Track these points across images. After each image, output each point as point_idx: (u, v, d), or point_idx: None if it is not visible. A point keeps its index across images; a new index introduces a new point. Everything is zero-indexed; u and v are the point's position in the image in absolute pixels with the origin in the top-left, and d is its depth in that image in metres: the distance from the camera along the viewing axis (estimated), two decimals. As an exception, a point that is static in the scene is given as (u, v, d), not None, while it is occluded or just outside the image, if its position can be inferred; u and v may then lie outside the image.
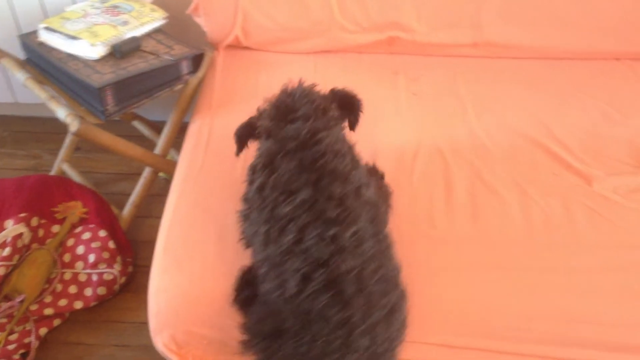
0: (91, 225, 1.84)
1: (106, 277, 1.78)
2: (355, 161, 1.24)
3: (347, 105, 1.34)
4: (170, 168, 1.81)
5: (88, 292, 1.76)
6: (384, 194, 1.41)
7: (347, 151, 1.23)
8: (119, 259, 1.82)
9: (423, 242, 1.39)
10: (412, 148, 1.63)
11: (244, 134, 1.33)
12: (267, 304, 1.17)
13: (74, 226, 1.85)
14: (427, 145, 1.64)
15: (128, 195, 2.01)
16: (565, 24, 1.93)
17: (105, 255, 1.79)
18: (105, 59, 1.70)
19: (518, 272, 1.34)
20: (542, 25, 1.93)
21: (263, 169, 1.21)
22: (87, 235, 1.82)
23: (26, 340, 1.66)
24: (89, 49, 1.68)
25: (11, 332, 1.66)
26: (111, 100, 1.65)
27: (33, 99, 2.08)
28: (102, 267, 1.78)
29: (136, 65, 1.69)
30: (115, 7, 1.85)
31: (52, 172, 2.16)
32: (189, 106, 1.88)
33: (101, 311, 1.81)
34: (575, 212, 1.47)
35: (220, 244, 1.39)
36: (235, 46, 1.94)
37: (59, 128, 1.91)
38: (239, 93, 1.78)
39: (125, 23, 1.78)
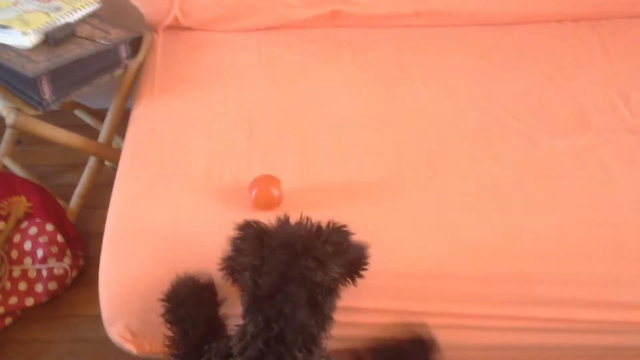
0: (37, 220, 1.79)
1: (57, 271, 1.73)
2: None
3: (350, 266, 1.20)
4: (115, 156, 1.76)
5: (39, 288, 1.72)
6: None
7: None
8: (68, 252, 1.77)
9: (374, 212, 1.39)
10: (359, 121, 1.62)
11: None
12: None
13: (19, 221, 1.80)
14: (375, 118, 1.63)
15: (74, 186, 1.96)
16: (505, -13, 1.94)
17: (54, 249, 1.74)
18: (39, 48, 1.64)
19: (470, 236, 1.35)
20: (483, -9, 1.94)
21: None
22: (33, 230, 1.77)
23: (-24, 342, 1.62)
24: (21, 37, 1.62)
25: (-39, 334, 1.61)
26: (48, 89, 1.59)
27: (-33, 93, 2.00)
28: (52, 262, 1.73)
29: (72, 52, 1.64)
30: (47, -8, 1.79)
31: (-7, 168, 2.09)
32: (131, 91, 1.84)
33: (55, 306, 1.77)
34: (524, 175, 1.48)
35: (170, 229, 1.37)
36: (175, 27, 1.89)
37: (-3, 122, 1.85)
38: (181, 75, 1.74)
39: (57, 9, 1.72)
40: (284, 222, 1.18)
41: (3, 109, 1.58)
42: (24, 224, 1.79)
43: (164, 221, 1.38)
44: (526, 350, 1.40)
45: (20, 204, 1.80)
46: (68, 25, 1.69)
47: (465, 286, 1.30)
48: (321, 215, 1.36)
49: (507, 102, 1.69)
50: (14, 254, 1.75)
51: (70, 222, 1.86)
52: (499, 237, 1.35)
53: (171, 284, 1.25)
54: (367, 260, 1.20)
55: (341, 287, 1.18)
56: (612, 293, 1.31)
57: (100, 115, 2.13)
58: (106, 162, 1.99)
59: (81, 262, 1.82)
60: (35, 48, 1.63)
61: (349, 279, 1.19)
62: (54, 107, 1.64)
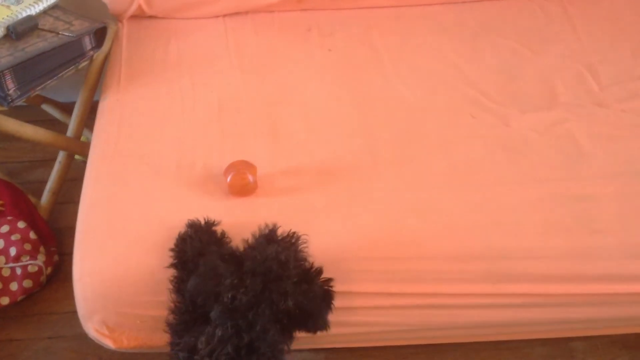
0: (9, 218, 1.76)
1: (31, 269, 1.71)
2: None
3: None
4: (85, 150, 1.73)
5: (13, 286, 1.69)
6: None
7: None
8: (42, 249, 1.75)
9: (348, 194, 1.39)
10: (330, 104, 1.61)
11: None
12: None
13: (-10, 220, 1.77)
14: (345, 100, 1.62)
15: (45, 182, 1.93)
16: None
17: (27, 246, 1.72)
18: (0, 42, 1.60)
19: (443, 214, 1.35)
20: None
21: None
22: (5, 229, 1.74)
23: (-48, 344, 1.60)
24: (-18, 32, 1.59)
25: None
26: (12, 84, 1.56)
27: None
28: (26, 260, 1.71)
29: (35, 45, 1.60)
30: (6, -15, 1.74)
31: (-39, 167, 2.05)
32: (98, 83, 1.81)
33: (30, 304, 1.75)
34: (495, 152, 1.49)
35: (142, 221, 1.35)
36: (140, 16, 1.85)
37: (-38, 119, 1.81)
38: (148, 64, 1.71)
39: (18, 2, 1.68)
40: (264, 243, 1.17)
41: (-34, 106, 1.54)
42: (-5, 223, 1.76)
43: (136, 213, 1.37)
44: (503, 327, 1.42)
45: (-10, 202, 1.78)
46: (30, 18, 1.65)
47: (440, 265, 1.31)
48: (296, 200, 1.38)
49: (476, 80, 1.69)
50: (-14, 253, 1.72)
51: (42, 219, 1.83)
52: (472, 214, 1.35)
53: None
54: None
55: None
56: (586, 266, 1.32)
57: (68, 108, 2.09)
58: (76, 156, 1.96)
59: (55, 258, 1.80)
60: (-3, 42, 1.60)
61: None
62: (19, 102, 1.61)
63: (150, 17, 1.86)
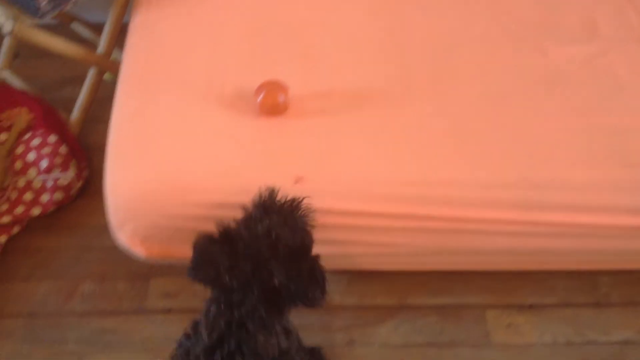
0: (40, 131, 1.78)
1: (61, 182, 1.73)
2: None
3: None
4: (115, 67, 1.73)
5: (45, 198, 1.73)
6: None
7: None
8: (72, 163, 1.77)
9: (380, 119, 1.38)
10: (365, 29, 1.58)
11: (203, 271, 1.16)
12: None
13: (21, 133, 1.79)
14: (380, 26, 1.59)
15: (74, 100, 1.94)
16: None
17: (58, 160, 1.74)
18: (34, -47, 1.59)
19: (476, 142, 1.34)
20: None
21: None
22: (36, 142, 1.76)
23: (-14, 249, 1.64)
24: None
25: (-31, 242, 1.63)
26: (45, -4, 1.56)
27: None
28: (57, 173, 1.73)
29: (68, -44, 1.59)
30: None
31: (-8, 81, 2.06)
32: (128, 2, 1.79)
33: (61, 216, 1.78)
34: (532, 82, 1.46)
35: (173, 135, 1.36)
36: None
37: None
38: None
39: None
40: (258, 216, 1.16)
41: (0, 17, 1.54)
42: (27, 136, 1.78)
43: (167, 129, 1.38)
44: (530, 256, 1.42)
45: (22, 115, 1.79)
46: None
47: (471, 191, 1.30)
48: (326, 123, 1.37)
49: (514, 10, 1.64)
50: (18, 165, 1.75)
51: (72, 135, 1.84)
52: (506, 143, 1.34)
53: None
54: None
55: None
56: (618, 198, 1.31)
57: (98, 29, 2.08)
58: (105, 76, 1.96)
59: (85, 173, 1.82)
60: (31, -46, 1.58)
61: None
62: (50, 15, 1.60)
63: None
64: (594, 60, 1.52)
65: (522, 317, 1.56)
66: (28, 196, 1.72)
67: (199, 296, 1.59)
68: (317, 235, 1.26)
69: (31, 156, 1.75)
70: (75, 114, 1.91)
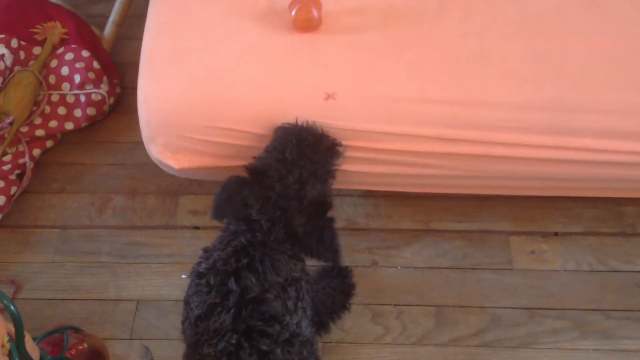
0: (73, 46, 1.78)
1: (94, 97, 1.75)
2: (297, 300, 1.15)
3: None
4: (149, -18, 1.73)
5: (78, 113, 1.75)
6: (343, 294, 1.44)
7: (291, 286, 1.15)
8: (105, 79, 1.78)
9: (413, 38, 1.36)
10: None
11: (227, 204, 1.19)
12: None
13: (55, 47, 1.79)
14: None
15: (107, 17, 1.94)
16: None
17: (91, 75, 1.75)
18: None
19: (510, 62, 1.32)
20: None
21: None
22: (70, 56, 1.77)
23: (20, 161, 1.67)
24: None
25: (4, 154, 1.66)
26: None
27: None
28: (89, 88, 1.75)
29: None
30: None
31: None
32: None
33: (93, 132, 1.81)
34: (569, 2, 1.41)
35: (206, 51, 1.36)
36: None
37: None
38: None
39: None
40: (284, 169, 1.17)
41: None
42: (60, 50, 1.79)
43: (200, 43, 1.37)
44: (557, 181, 1.41)
45: (56, 29, 1.79)
46: None
47: (502, 113, 1.29)
48: (359, 40, 1.36)
49: None
50: (52, 79, 1.76)
51: (105, 50, 1.85)
52: (540, 64, 1.31)
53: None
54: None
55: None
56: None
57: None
58: (138, -8, 1.96)
59: (118, 90, 1.83)
60: None
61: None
62: None
63: None
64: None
65: (546, 244, 1.56)
66: (61, 111, 1.74)
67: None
68: (345, 153, 1.27)
69: (65, 70, 1.76)
70: (108, 29, 1.91)
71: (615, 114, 1.28)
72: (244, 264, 1.11)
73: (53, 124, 1.73)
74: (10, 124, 1.66)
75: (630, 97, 1.29)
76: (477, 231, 1.60)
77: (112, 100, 1.80)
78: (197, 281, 1.14)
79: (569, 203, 1.60)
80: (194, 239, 1.61)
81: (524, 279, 1.52)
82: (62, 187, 1.72)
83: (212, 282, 1.11)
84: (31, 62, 1.76)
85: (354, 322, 1.47)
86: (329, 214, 1.18)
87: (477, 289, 1.52)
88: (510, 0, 1.42)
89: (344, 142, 1.30)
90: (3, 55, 1.70)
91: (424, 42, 1.35)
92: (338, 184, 1.35)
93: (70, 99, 1.75)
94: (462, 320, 1.47)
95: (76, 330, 1.40)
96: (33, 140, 1.72)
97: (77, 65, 1.75)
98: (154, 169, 1.52)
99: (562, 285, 1.51)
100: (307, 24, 1.35)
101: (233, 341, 1.06)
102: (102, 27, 1.93)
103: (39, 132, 1.72)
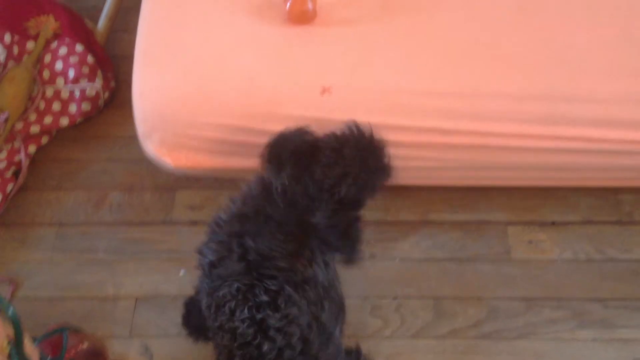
0: (67, 40, 1.76)
1: (89, 92, 1.74)
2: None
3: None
4: (142, -25, 1.71)
5: (72, 108, 1.74)
6: None
7: None
8: (99, 73, 1.77)
9: (410, 29, 1.36)
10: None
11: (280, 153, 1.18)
12: None
13: (48, 42, 1.77)
14: None
15: (101, 9, 1.92)
16: None
17: (85, 70, 1.74)
18: None
19: (506, 51, 1.32)
20: None
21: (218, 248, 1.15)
22: (63, 51, 1.75)
23: (16, 159, 1.66)
24: None
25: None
26: None
27: None
28: (84, 82, 1.73)
29: None
30: None
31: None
32: None
33: (89, 127, 1.79)
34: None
35: (201, 45, 1.36)
36: None
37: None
38: None
39: None
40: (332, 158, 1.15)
41: None
42: (54, 44, 1.77)
43: (195, 37, 1.37)
44: (554, 172, 1.42)
45: (49, 23, 1.77)
46: None
47: (499, 104, 1.29)
48: (355, 32, 1.35)
49: None
50: (46, 74, 1.75)
51: (99, 44, 1.83)
52: (536, 53, 1.31)
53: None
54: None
55: None
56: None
57: None
58: (131, -15, 1.94)
59: (112, 84, 1.82)
60: None
61: None
62: None
63: None
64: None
65: (543, 234, 1.56)
66: (56, 106, 1.73)
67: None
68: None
69: (59, 65, 1.74)
70: (102, 22, 1.90)
71: (609, 103, 1.28)
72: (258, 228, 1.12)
73: (48, 119, 1.72)
74: (6, 120, 1.65)
75: (624, 86, 1.29)
76: (475, 222, 1.60)
77: (107, 94, 1.79)
78: (215, 229, 1.16)
79: (566, 192, 1.60)
80: (192, 235, 1.60)
81: (521, 269, 1.52)
82: (58, 183, 1.71)
83: (228, 229, 1.13)
84: (25, 57, 1.75)
85: (352, 315, 1.46)
86: (357, 213, 1.18)
87: (475, 280, 1.52)
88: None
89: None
90: (-3, 51, 1.69)
91: (420, 33, 1.35)
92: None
93: (64, 94, 1.74)
94: (461, 312, 1.47)
95: (76, 330, 1.40)
96: (28, 137, 1.70)
97: (71, 59, 1.74)
98: (150, 164, 1.51)
99: (560, 275, 1.51)
100: (302, 17, 1.34)
101: (246, 281, 1.08)
102: (95, 20, 1.91)
103: (34, 129, 1.70)
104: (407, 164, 1.37)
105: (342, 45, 1.33)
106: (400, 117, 1.30)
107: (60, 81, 1.74)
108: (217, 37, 1.36)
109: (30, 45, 1.76)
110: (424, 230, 1.60)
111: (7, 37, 1.73)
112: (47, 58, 1.76)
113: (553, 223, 1.58)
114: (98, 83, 1.75)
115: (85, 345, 1.34)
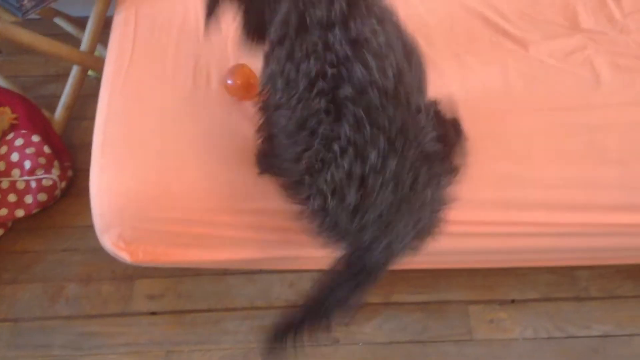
0: (23, 131, 1.76)
1: (45, 182, 1.73)
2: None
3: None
4: (99, 64, 1.73)
5: (28, 199, 1.72)
6: None
7: None
8: (56, 163, 1.76)
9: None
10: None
11: None
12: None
13: (4, 133, 1.77)
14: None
15: (58, 97, 1.93)
16: None
17: (42, 160, 1.73)
18: (14, -49, 1.57)
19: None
20: None
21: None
22: (19, 142, 1.74)
23: (-30, 253, 1.63)
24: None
25: (-47, 245, 1.62)
26: (26, -6, 1.54)
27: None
28: (40, 173, 1.72)
29: (48, -46, 1.58)
30: None
31: (-26, 79, 2.04)
32: (111, -4, 1.78)
33: (45, 218, 1.78)
34: (513, 78, 1.47)
35: (159, 136, 1.36)
36: None
37: (-26, 31, 1.79)
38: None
39: None
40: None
41: (-20, 16, 1.53)
42: (10, 136, 1.76)
43: (153, 129, 1.37)
44: (510, 254, 1.43)
45: (5, 114, 1.77)
46: None
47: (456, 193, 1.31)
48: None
49: (496, 3, 1.64)
50: (1, 166, 1.73)
51: (56, 133, 1.83)
52: (483, 141, 1.32)
53: None
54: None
55: None
56: (596, 195, 1.32)
57: (81, 23, 2.06)
58: (89, 73, 1.95)
59: (70, 173, 1.81)
60: (10, -48, 1.57)
61: None
62: (33, 13, 1.59)
63: None
64: (574, 54, 1.53)
65: (504, 313, 1.58)
66: (12, 198, 1.71)
67: (183, 297, 1.61)
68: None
69: (15, 157, 1.73)
70: (59, 112, 1.90)
71: (558, 188, 1.31)
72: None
73: (3, 212, 1.69)
74: (-40, 214, 1.62)
75: (572, 171, 1.33)
76: (436, 302, 1.60)
77: (63, 184, 1.78)
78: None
79: (525, 269, 1.62)
80: (151, 326, 1.58)
81: (484, 349, 1.53)
82: (13, 277, 1.67)
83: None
84: (-20, 150, 1.74)
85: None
86: None
87: (439, 362, 1.51)
88: (453, 76, 1.46)
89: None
90: (-49, 145, 1.67)
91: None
92: (295, 262, 1.34)
93: (20, 186, 1.72)
94: (427, 397, 1.47)
95: None
96: (-18, 230, 1.68)
97: (28, 150, 1.73)
98: (107, 254, 1.49)
99: (522, 355, 1.52)
100: (247, 90, 1.38)
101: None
102: (53, 108, 1.92)
103: (-11, 221, 1.68)
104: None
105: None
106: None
107: (16, 172, 1.73)
108: (175, 130, 1.36)
109: (-14, 137, 1.76)
110: (387, 312, 1.60)
111: (-37, 131, 1.72)
112: (3, 149, 1.75)
113: (513, 301, 1.59)
114: (55, 173, 1.74)
115: None
